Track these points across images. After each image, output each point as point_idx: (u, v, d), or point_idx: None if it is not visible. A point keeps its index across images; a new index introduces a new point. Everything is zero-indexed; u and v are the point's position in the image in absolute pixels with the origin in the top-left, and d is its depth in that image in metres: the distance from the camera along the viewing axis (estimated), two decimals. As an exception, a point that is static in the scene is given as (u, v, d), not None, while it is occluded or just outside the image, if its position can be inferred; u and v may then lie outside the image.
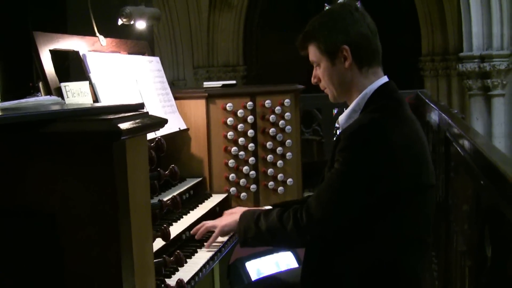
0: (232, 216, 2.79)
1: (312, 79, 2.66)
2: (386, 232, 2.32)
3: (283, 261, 4.12)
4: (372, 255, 2.34)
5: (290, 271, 2.98)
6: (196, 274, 2.57)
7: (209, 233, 2.84)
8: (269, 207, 2.92)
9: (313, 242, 2.47)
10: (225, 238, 2.90)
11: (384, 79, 2.51)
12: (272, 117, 3.83)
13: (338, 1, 2.68)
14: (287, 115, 3.87)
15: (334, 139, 2.43)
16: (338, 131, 2.57)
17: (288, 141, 3.89)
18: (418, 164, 2.34)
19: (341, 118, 2.54)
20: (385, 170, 2.26)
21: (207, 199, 3.50)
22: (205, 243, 2.83)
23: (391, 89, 2.50)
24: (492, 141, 8.52)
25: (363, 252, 2.35)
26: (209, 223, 2.83)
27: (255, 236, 2.56)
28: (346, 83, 2.51)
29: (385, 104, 2.42)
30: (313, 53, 2.58)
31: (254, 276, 3.94)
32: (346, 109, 2.55)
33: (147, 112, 1.81)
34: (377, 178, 2.27)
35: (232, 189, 3.73)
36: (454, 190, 3.30)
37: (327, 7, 2.70)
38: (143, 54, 3.65)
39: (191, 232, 2.86)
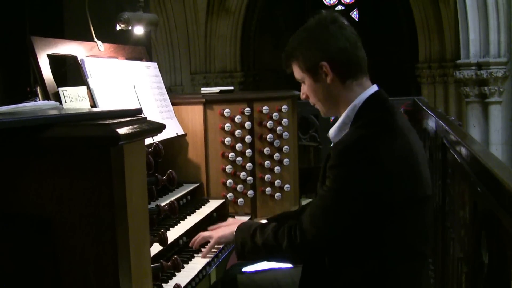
0: (228, 227, 2.79)
1: (301, 95, 2.66)
2: (382, 246, 2.30)
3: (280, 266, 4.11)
4: (369, 269, 2.32)
5: (288, 269, 2.96)
6: (193, 279, 2.57)
7: (205, 243, 2.85)
8: (265, 221, 2.92)
9: (310, 260, 2.46)
10: (222, 245, 2.90)
11: (373, 88, 2.48)
12: (269, 123, 3.84)
13: (317, 14, 2.67)
14: (285, 121, 3.88)
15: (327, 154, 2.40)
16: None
17: (286, 147, 3.89)
18: (412, 177, 2.31)
19: (332, 131, 2.53)
20: (376, 187, 2.23)
21: (204, 205, 3.50)
22: (202, 249, 2.84)
23: (381, 98, 2.47)
24: (489, 148, 8.54)
25: (359, 266, 2.33)
26: (205, 234, 2.84)
27: (252, 251, 2.55)
28: (332, 98, 2.49)
29: (375, 118, 2.39)
30: (296, 71, 2.58)
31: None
32: (336, 122, 2.53)
33: (145, 117, 1.81)
34: (368, 195, 2.24)
35: (229, 194, 3.73)
36: (451, 197, 3.31)
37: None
38: (140, 59, 3.66)
39: (190, 244, 2.86)
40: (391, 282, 2.33)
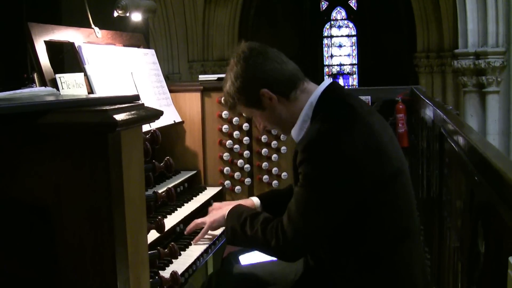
0: (220, 211, 2.81)
1: (258, 128, 2.73)
2: (368, 231, 2.33)
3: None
4: (361, 255, 2.34)
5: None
6: (190, 266, 2.57)
7: (199, 229, 2.85)
8: (256, 198, 2.95)
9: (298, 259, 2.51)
10: (218, 232, 2.90)
11: (326, 82, 2.54)
12: (267, 111, 3.82)
13: (234, 53, 2.70)
14: (282, 109, 3.87)
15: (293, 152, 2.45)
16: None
17: (283, 135, 3.89)
18: (377, 157, 2.31)
19: (293, 131, 2.56)
20: (343, 176, 2.26)
21: (201, 192, 3.50)
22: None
23: (335, 90, 2.52)
24: (486, 138, 8.54)
25: (352, 254, 2.35)
26: (198, 220, 2.85)
27: (241, 240, 2.60)
28: (286, 116, 2.55)
29: (331, 110, 2.43)
30: (243, 110, 2.69)
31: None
32: (297, 122, 2.55)
33: (143, 104, 1.80)
34: (337, 186, 2.27)
35: (227, 182, 3.74)
36: (448, 186, 3.31)
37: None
38: (138, 46, 3.65)
39: (185, 232, 2.87)
40: (385, 263, 2.35)
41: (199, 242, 2.80)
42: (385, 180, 2.33)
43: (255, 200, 2.95)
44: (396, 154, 2.41)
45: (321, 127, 2.34)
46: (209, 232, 2.83)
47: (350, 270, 2.35)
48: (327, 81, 2.54)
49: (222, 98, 2.67)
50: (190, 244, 2.80)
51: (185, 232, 2.85)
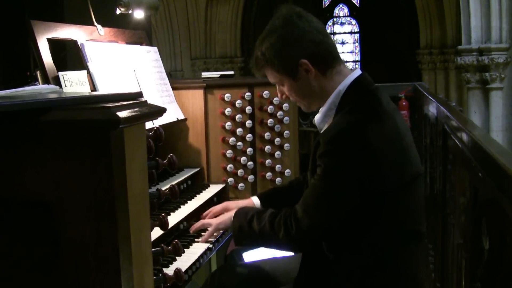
0: (227, 214, 2.78)
1: (279, 96, 2.62)
2: (378, 230, 2.30)
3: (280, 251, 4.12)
4: (367, 254, 2.32)
5: (286, 258, 2.97)
6: (194, 264, 2.57)
7: (204, 229, 2.85)
8: (256, 198, 2.93)
9: (308, 249, 2.47)
10: (221, 231, 2.90)
11: (357, 72, 2.47)
12: (270, 108, 3.83)
13: (278, 13, 2.63)
14: (285, 106, 3.87)
15: (314, 142, 2.38)
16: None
17: (286, 132, 3.88)
18: (401, 158, 2.30)
19: (317, 118, 2.51)
20: (367, 172, 2.21)
21: (204, 190, 3.49)
22: (202, 234, 2.84)
23: (365, 82, 2.46)
24: (490, 134, 8.53)
25: (357, 252, 2.33)
26: (205, 220, 2.83)
27: (249, 237, 2.55)
28: (315, 92, 2.47)
29: (361, 103, 2.37)
30: (271, 75, 2.53)
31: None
32: (320, 109, 2.51)
33: (146, 101, 1.80)
34: (360, 181, 2.22)
35: (230, 179, 3.73)
36: (451, 183, 3.30)
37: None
38: (141, 44, 3.65)
39: (191, 230, 2.86)
40: (390, 265, 2.33)
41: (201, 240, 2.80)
42: (405, 182, 2.30)
43: (255, 200, 2.94)
44: (415, 158, 2.39)
45: (350, 119, 2.29)
46: None
47: (353, 266, 2.34)
48: (358, 71, 2.48)
49: (254, 58, 2.53)
50: (194, 242, 2.80)
51: (191, 230, 2.84)
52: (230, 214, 2.70)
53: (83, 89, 2.81)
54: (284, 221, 2.37)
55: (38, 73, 2.76)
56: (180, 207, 3.06)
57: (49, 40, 2.82)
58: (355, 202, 2.25)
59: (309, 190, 2.34)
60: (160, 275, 2.21)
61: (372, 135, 2.22)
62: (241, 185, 3.76)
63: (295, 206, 2.38)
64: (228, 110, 3.71)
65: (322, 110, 2.49)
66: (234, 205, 2.93)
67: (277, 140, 3.82)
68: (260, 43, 2.49)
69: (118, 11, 3.46)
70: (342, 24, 24.05)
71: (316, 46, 2.41)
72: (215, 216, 2.87)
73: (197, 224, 2.84)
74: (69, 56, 3.43)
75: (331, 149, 2.24)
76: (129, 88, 3.16)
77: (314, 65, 2.41)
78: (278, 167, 3.84)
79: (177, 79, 9.40)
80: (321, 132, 2.45)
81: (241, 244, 2.64)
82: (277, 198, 2.96)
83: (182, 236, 2.85)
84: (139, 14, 3.58)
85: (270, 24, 2.49)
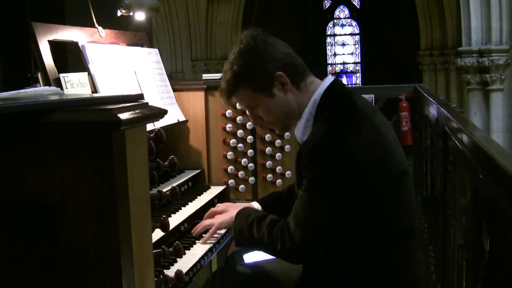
0: (228, 213, 2.81)
1: (253, 123, 2.62)
2: (373, 232, 2.30)
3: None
4: (365, 256, 2.32)
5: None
6: (195, 265, 2.58)
7: (206, 231, 2.86)
8: (257, 205, 2.92)
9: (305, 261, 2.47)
10: (222, 231, 2.90)
11: (329, 79, 2.48)
12: (271, 110, 3.82)
13: (242, 37, 2.65)
14: (286, 107, 3.86)
15: (297, 155, 2.37)
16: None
17: (287, 133, 3.88)
18: (385, 159, 2.30)
19: (297, 130, 2.50)
20: (352, 177, 2.21)
21: (205, 191, 3.50)
22: (203, 235, 2.84)
23: (338, 87, 2.46)
24: (490, 135, 8.53)
25: (356, 256, 2.33)
26: (206, 221, 2.84)
27: (249, 242, 2.57)
28: (292, 108, 2.47)
29: (338, 108, 2.38)
30: (244, 97, 2.51)
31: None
32: (299, 121, 2.50)
33: (147, 103, 1.80)
34: (345, 188, 2.22)
35: (231, 181, 3.74)
36: (452, 184, 3.30)
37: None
38: (141, 45, 3.65)
39: (192, 231, 2.87)
40: (389, 264, 2.34)
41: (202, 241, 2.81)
42: (392, 181, 2.31)
43: (256, 206, 2.93)
44: (400, 155, 2.39)
45: (328, 128, 2.29)
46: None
47: (353, 270, 2.34)
48: (329, 78, 2.49)
49: (221, 83, 2.53)
50: (195, 243, 2.80)
51: (193, 233, 2.85)
52: (232, 213, 2.72)
53: (84, 91, 2.81)
54: (281, 235, 2.37)
55: (39, 75, 2.76)
56: (181, 209, 3.07)
57: (50, 42, 2.83)
58: (344, 209, 2.26)
59: (298, 202, 2.34)
60: (161, 276, 2.21)
61: (351, 141, 2.22)
62: (241, 186, 3.76)
63: (287, 218, 2.38)
64: (229, 112, 3.72)
65: (300, 122, 2.48)
66: (233, 206, 2.93)
67: (277, 142, 3.82)
68: (231, 66, 2.48)
69: (119, 13, 3.47)
70: (342, 25, 24.07)
71: (288, 57, 2.45)
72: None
73: (199, 227, 2.85)
74: (70, 58, 3.44)
75: (313, 160, 2.25)
76: (130, 89, 3.17)
77: (288, 76, 2.42)
78: (278, 168, 3.84)
79: (178, 80, 9.40)
80: (301, 144, 2.45)
81: (242, 246, 2.65)
82: (277, 203, 2.96)
83: (183, 237, 2.86)
84: (140, 15, 3.59)
85: (238, 46, 2.49)
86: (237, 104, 3.71)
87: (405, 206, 2.38)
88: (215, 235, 2.85)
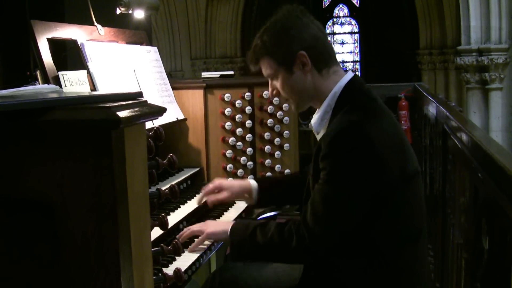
0: (220, 224, 2.71)
1: (270, 93, 2.61)
2: (385, 230, 2.28)
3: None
4: (373, 255, 2.29)
5: None
6: (194, 263, 2.57)
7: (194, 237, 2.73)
8: (253, 180, 2.91)
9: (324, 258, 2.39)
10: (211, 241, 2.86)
11: (349, 74, 2.47)
12: (270, 108, 3.83)
13: (283, 9, 2.65)
14: (285, 106, 3.87)
15: (314, 148, 2.34)
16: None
17: (286, 132, 3.89)
18: (402, 154, 2.30)
19: (314, 122, 2.49)
20: (373, 170, 2.19)
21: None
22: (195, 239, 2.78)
23: (358, 84, 2.46)
24: (489, 134, 8.53)
25: (363, 255, 2.30)
26: (195, 228, 2.70)
27: (251, 252, 2.48)
28: (308, 89, 2.47)
29: (359, 102, 2.37)
30: (267, 67, 2.53)
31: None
32: (316, 113, 2.49)
33: (146, 101, 1.80)
34: (366, 180, 2.19)
35: (230, 179, 3.73)
36: (451, 183, 3.31)
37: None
38: (141, 44, 3.65)
39: (177, 237, 2.71)
40: (393, 263, 2.31)
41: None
42: (406, 178, 2.29)
43: (252, 182, 2.91)
44: (413, 154, 2.39)
45: (350, 119, 2.26)
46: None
47: (358, 269, 2.31)
48: (350, 73, 2.48)
49: (253, 46, 2.54)
50: (194, 241, 2.79)
51: (180, 239, 2.63)
52: (225, 227, 2.59)
53: (83, 89, 2.81)
54: (296, 231, 2.31)
55: (38, 72, 2.76)
56: (180, 207, 3.06)
57: (49, 40, 2.82)
58: (363, 202, 2.22)
59: (316, 196, 2.28)
60: (160, 274, 2.21)
61: (374, 133, 2.20)
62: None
63: (304, 214, 2.33)
64: (228, 110, 3.72)
65: (317, 114, 2.47)
66: (227, 183, 2.91)
67: (277, 140, 3.83)
68: (262, 32, 2.51)
69: (118, 11, 3.47)
70: (342, 24, 24.09)
71: (316, 41, 2.44)
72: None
73: (186, 233, 2.71)
74: (69, 56, 3.43)
75: (335, 150, 2.21)
76: (129, 88, 3.16)
77: (311, 58, 2.43)
78: (277, 167, 3.84)
79: (177, 79, 9.40)
80: (318, 135, 2.45)
81: (241, 259, 2.56)
82: (273, 187, 2.95)
83: (182, 236, 2.85)
84: (139, 14, 3.58)
85: (274, 16, 2.51)
86: (236, 102, 3.72)
87: (415, 206, 2.36)
88: (201, 246, 2.71)
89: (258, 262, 2.64)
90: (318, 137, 2.50)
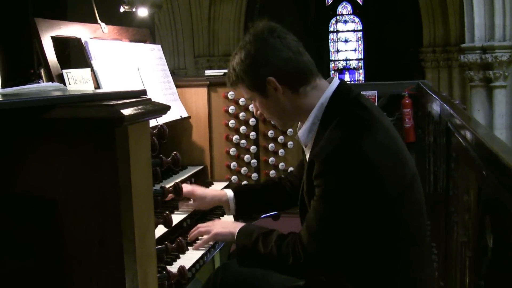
0: (227, 225, 2.71)
1: (255, 112, 2.60)
2: (387, 239, 2.26)
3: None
4: (377, 264, 2.28)
5: None
6: (197, 261, 2.58)
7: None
8: (230, 191, 2.93)
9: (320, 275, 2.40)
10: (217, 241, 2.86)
11: (335, 82, 2.42)
12: (273, 106, 3.82)
13: (252, 28, 2.62)
14: (289, 104, 3.86)
15: (307, 163, 2.33)
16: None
17: (290, 130, 3.88)
18: (398, 164, 2.26)
19: (301, 133, 2.44)
20: (368, 186, 2.16)
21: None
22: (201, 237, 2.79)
23: (346, 91, 2.40)
24: (493, 132, 8.51)
25: (368, 264, 2.29)
26: (203, 228, 2.74)
27: (254, 260, 2.47)
28: (287, 110, 2.43)
29: (349, 113, 2.30)
30: (243, 91, 2.50)
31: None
32: (303, 124, 2.44)
33: (150, 99, 1.80)
34: (362, 196, 2.16)
35: (233, 177, 3.74)
36: (455, 181, 3.30)
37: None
38: (144, 42, 3.65)
39: (188, 239, 2.78)
40: (397, 268, 2.30)
41: (205, 237, 2.79)
42: (406, 185, 2.27)
43: (228, 193, 2.92)
44: (409, 156, 2.36)
45: (342, 135, 2.21)
46: None
47: (361, 275, 2.30)
48: (335, 81, 2.43)
49: (227, 72, 2.53)
50: (198, 239, 2.80)
51: (188, 239, 2.75)
52: (232, 229, 2.60)
53: (87, 87, 2.81)
54: (293, 249, 2.30)
55: (42, 71, 2.76)
56: (183, 205, 3.06)
57: (53, 38, 2.83)
58: (360, 218, 2.19)
59: (311, 213, 2.27)
60: (164, 272, 2.21)
61: (369, 147, 2.16)
62: (244, 183, 3.76)
63: (300, 231, 2.32)
64: (231, 108, 3.71)
65: (305, 125, 2.42)
66: (199, 193, 2.93)
67: (280, 138, 3.82)
68: (232, 58, 2.47)
69: (121, 9, 3.47)
70: (345, 22, 24.06)
71: (285, 64, 2.36)
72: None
73: (195, 232, 2.76)
74: (73, 54, 3.44)
75: (329, 168, 2.18)
76: (133, 86, 3.17)
77: (281, 83, 2.36)
78: (281, 165, 3.84)
79: (181, 77, 9.41)
80: (306, 148, 2.42)
81: (245, 266, 2.56)
82: (251, 195, 2.95)
83: (185, 233, 2.85)
84: (142, 12, 3.58)
85: (243, 40, 2.46)
86: (240, 100, 3.72)
87: (417, 210, 2.34)
88: (205, 245, 2.75)
89: (261, 269, 2.64)
90: (306, 150, 2.48)
